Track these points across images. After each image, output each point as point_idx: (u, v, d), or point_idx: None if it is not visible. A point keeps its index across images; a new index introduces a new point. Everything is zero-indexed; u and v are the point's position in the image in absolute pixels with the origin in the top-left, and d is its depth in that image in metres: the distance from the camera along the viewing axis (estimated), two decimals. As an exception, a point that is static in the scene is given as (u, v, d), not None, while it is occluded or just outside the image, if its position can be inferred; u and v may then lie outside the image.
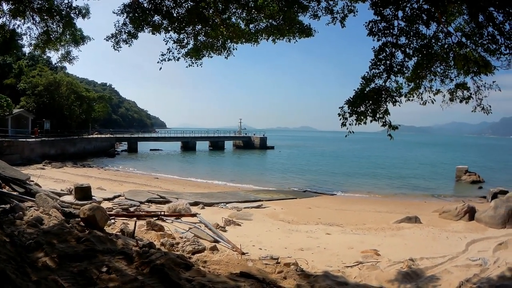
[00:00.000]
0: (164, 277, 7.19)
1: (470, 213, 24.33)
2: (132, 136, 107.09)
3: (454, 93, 10.90)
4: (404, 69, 10.33)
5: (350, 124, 9.99)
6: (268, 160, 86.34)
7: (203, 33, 12.46)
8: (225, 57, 13.24)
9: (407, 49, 10.27)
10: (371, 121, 10.00)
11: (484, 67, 9.72)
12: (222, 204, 28.53)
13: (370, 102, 10.03)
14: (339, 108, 10.07)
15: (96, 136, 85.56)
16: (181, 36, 12.37)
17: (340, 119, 9.96)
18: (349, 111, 9.98)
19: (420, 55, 10.26)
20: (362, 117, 9.97)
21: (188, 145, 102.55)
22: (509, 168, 73.51)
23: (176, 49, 12.43)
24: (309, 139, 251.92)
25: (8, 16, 14.03)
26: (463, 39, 10.06)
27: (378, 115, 9.97)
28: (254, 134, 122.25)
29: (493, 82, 10.01)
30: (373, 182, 51.56)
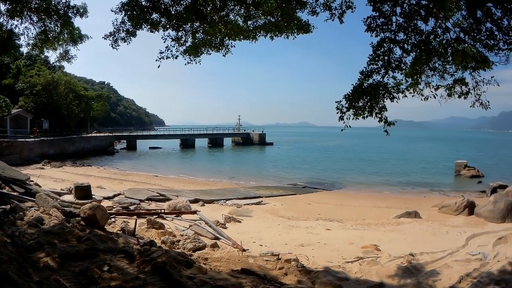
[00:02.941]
0: (166, 275, 7.23)
1: (470, 208, 24.39)
2: (131, 134, 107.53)
3: (453, 89, 10.92)
4: (402, 64, 10.33)
5: (347, 119, 10.01)
6: (267, 157, 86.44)
7: (201, 31, 12.49)
8: (223, 55, 13.28)
9: (405, 45, 10.29)
10: (366, 117, 10.02)
11: (483, 63, 9.74)
12: (222, 201, 28.59)
13: (368, 97, 10.05)
14: (336, 102, 10.08)
15: (95, 135, 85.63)
16: (179, 33, 12.39)
17: (338, 113, 9.96)
18: (346, 105, 10.00)
19: (418, 51, 10.27)
20: (360, 112, 10.00)
21: (187, 142, 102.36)
22: (508, 163, 73.54)
23: (174, 46, 12.47)
24: (308, 135, 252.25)
25: (5, 17, 13.99)
26: (461, 35, 10.08)
27: (375, 111, 10.00)
28: (253, 131, 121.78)
29: (492, 77, 10.07)
30: (372, 177, 51.76)
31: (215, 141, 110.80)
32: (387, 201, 32.18)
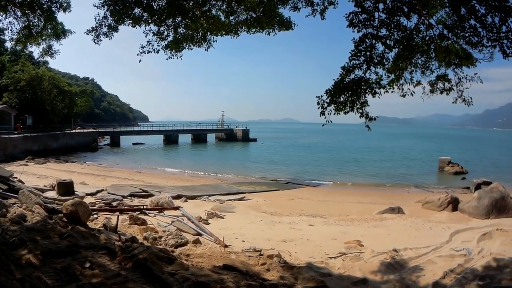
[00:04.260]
0: (147, 271, 7.18)
1: (454, 204, 24.56)
2: (114, 130, 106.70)
3: (435, 85, 10.93)
4: (385, 60, 10.31)
5: (328, 114, 9.97)
6: (250, 153, 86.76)
7: (183, 26, 12.41)
8: (205, 49, 13.22)
9: (388, 41, 10.24)
10: (347, 112, 10.00)
11: (466, 60, 9.75)
12: (204, 197, 28.65)
13: (350, 92, 10.02)
14: (317, 97, 10.04)
15: (78, 131, 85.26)
16: (161, 28, 12.30)
17: (319, 108, 9.92)
18: (327, 100, 9.95)
19: (400, 47, 10.25)
20: (341, 107, 9.96)
21: (171, 138, 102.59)
22: (492, 159, 74.09)
23: (156, 41, 12.38)
24: (291, 131, 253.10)
25: (-12, 12, 13.89)
26: (445, 32, 10.06)
27: (356, 106, 9.98)
28: (236, 127, 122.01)
29: (475, 74, 10.05)
30: (355, 173, 52.03)
31: (199, 137, 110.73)
32: (370, 197, 32.39)
